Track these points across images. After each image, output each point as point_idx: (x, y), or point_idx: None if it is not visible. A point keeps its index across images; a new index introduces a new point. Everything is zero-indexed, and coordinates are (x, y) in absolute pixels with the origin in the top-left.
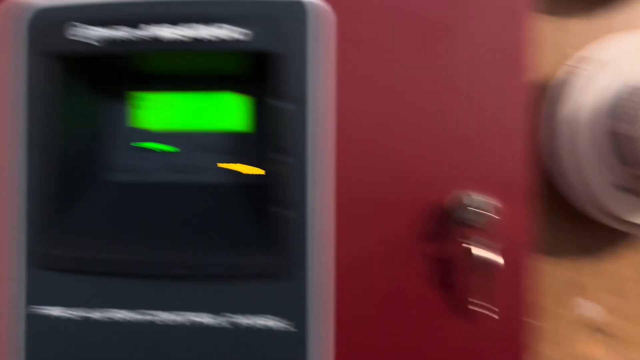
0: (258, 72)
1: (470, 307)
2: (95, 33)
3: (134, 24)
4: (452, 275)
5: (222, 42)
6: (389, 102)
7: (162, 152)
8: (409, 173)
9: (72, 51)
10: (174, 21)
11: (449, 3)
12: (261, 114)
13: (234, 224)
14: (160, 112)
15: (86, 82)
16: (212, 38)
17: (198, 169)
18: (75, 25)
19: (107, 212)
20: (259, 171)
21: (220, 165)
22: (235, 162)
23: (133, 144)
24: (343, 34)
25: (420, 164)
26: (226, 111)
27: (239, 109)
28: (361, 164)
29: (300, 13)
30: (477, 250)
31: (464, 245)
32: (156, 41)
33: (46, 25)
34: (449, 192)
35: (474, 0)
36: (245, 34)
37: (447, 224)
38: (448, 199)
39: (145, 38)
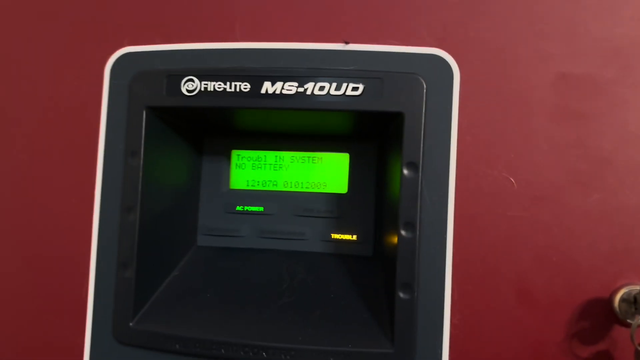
0: (370, 131)
1: None
2: (197, 85)
3: (238, 79)
4: None
5: (344, 98)
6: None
7: (258, 214)
8: (563, 252)
9: (174, 104)
10: (294, 77)
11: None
12: (362, 175)
13: (340, 300)
14: (257, 171)
15: (185, 137)
16: (332, 94)
17: (299, 235)
18: (177, 77)
19: (201, 282)
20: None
21: (334, 235)
22: (335, 226)
23: (236, 207)
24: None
25: (578, 241)
26: (327, 172)
27: (341, 172)
28: (500, 243)
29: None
30: None
31: (635, 346)
32: (263, 96)
33: (149, 78)
34: (616, 279)
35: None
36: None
37: (611, 323)
38: (614, 292)
39: (255, 93)
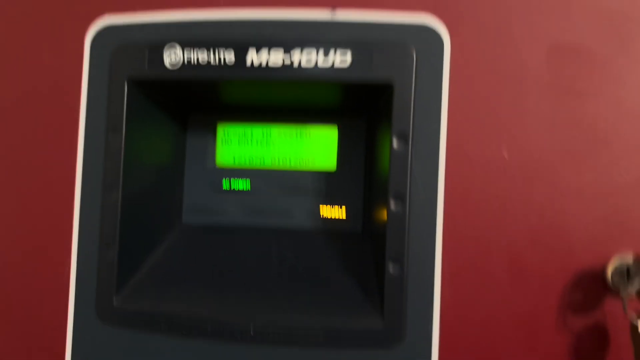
0: (356, 104)
1: None
2: (180, 57)
3: (222, 45)
4: (607, 353)
5: (332, 70)
6: (532, 145)
7: (245, 192)
8: (556, 230)
9: (158, 76)
10: (278, 45)
11: (601, 33)
12: (350, 152)
13: (329, 278)
14: (244, 146)
15: (168, 112)
16: (320, 65)
17: (287, 213)
18: (159, 49)
19: (186, 261)
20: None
21: (323, 212)
22: (323, 203)
23: (223, 185)
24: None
25: (572, 219)
26: (315, 149)
27: (329, 147)
28: (494, 220)
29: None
30: None
31: (629, 318)
32: (249, 68)
33: (129, 49)
34: (609, 255)
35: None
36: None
37: (604, 295)
38: (608, 264)
39: (240, 64)
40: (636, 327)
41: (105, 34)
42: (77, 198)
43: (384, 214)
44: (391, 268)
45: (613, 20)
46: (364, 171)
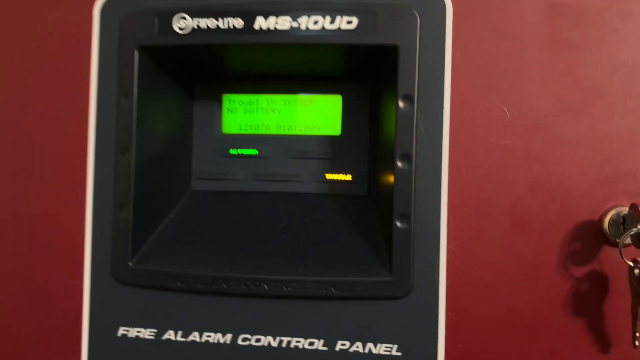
0: (359, 69)
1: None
2: (189, 23)
3: (230, 14)
4: (607, 302)
5: (337, 32)
6: (525, 99)
7: (252, 158)
8: (555, 177)
9: (168, 42)
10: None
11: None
12: (354, 117)
13: (337, 236)
14: (249, 115)
15: (176, 81)
16: (323, 28)
17: (294, 177)
18: (168, 16)
19: (198, 224)
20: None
21: (329, 176)
22: (329, 167)
23: (229, 150)
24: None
25: (570, 165)
26: (320, 114)
27: (333, 113)
28: (494, 172)
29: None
30: None
31: (631, 266)
32: (257, 32)
33: (140, 17)
34: (606, 201)
35: None
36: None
37: (601, 243)
38: (604, 215)
39: (249, 29)
40: (632, 269)
41: (112, 2)
42: (90, 161)
43: (390, 174)
44: (399, 223)
45: None
46: (368, 135)
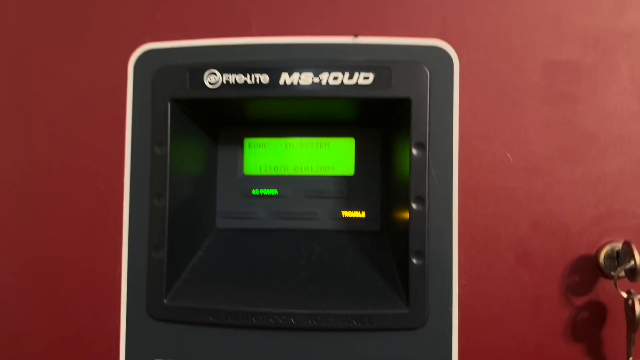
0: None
1: None
2: (219, 78)
3: (257, 70)
4: (604, 330)
5: (356, 87)
6: (528, 144)
7: (273, 197)
8: (555, 216)
9: (199, 95)
10: (312, 67)
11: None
12: (367, 158)
13: (354, 271)
14: (269, 157)
15: (203, 128)
16: (348, 84)
17: (312, 215)
18: (200, 72)
19: (224, 261)
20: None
21: (344, 213)
22: (344, 205)
23: (252, 191)
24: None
25: (568, 205)
26: (335, 155)
27: (347, 155)
28: (500, 212)
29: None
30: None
31: (625, 298)
32: (281, 87)
33: (172, 72)
34: (601, 237)
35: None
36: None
37: (597, 276)
38: (599, 250)
39: (274, 84)
40: (627, 300)
41: (146, 57)
42: (125, 205)
43: (404, 213)
44: (414, 259)
45: (596, 36)
46: (380, 175)
